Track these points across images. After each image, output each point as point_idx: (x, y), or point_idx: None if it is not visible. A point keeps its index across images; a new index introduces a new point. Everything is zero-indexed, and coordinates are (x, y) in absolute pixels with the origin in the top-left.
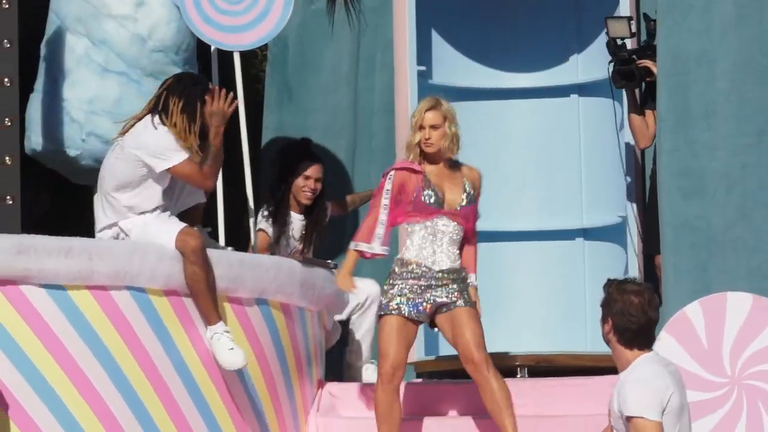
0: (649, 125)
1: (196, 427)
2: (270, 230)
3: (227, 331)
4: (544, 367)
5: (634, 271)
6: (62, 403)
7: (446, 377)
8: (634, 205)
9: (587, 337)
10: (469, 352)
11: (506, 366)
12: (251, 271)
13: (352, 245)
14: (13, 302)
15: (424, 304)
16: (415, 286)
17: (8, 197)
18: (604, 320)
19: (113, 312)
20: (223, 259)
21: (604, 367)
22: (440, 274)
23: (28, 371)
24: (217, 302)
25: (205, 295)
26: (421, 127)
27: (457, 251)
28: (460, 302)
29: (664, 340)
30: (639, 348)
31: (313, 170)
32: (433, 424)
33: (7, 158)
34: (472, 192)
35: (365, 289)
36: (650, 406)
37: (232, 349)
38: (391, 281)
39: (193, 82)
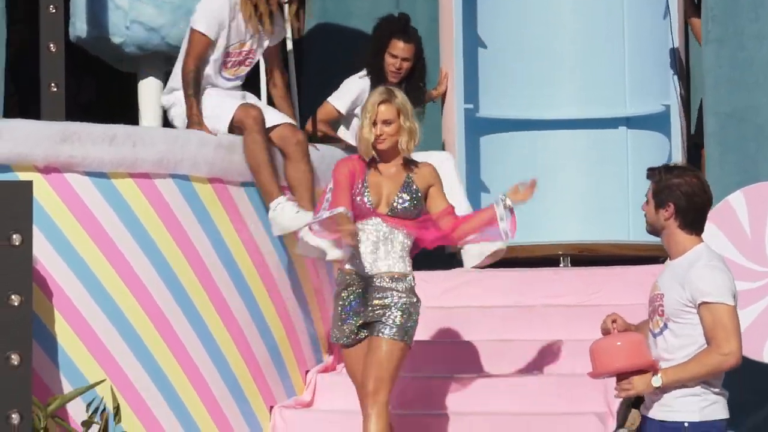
0: None
1: (238, 313)
2: (341, 105)
3: (291, 200)
4: (587, 256)
5: (677, 161)
6: (105, 291)
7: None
8: (678, 94)
9: (630, 226)
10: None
11: (549, 255)
12: None
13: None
14: (57, 190)
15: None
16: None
17: (53, 84)
18: (662, 206)
19: (157, 200)
20: None
21: (646, 257)
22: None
23: (72, 259)
24: (277, 178)
25: (266, 168)
26: (374, 123)
27: (400, 256)
28: (386, 330)
29: (706, 229)
30: (697, 233)
31: (402, 49)
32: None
33: (51, 45)
34: (417, 192)
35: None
36: (728, 291)
37: (297, 212)
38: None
39: None
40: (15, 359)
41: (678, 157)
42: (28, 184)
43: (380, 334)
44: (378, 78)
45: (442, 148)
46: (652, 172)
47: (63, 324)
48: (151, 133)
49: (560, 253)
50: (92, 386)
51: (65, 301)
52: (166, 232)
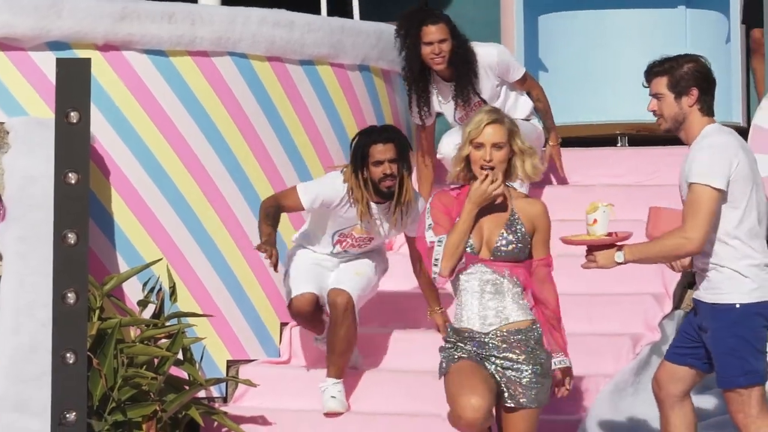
0: None
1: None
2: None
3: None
4: (644, 136)
5: (736, 42)
6: (162, 169)
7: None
8: None
9: None
10: None
11: (606, 134)
12: (352, 38)
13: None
14: (115, 67)
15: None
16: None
17: None
18: (684, 93)
19: (215, 78)
20: (325, 25)
21: None
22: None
23: (130, 137)
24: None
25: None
26: (480, 145)
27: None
28: (523, 399)
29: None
30: (711, 115)
31: (433, 33)
32: None
33: None
34: (523, 232)
35: None
36: (716, 174)
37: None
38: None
39: None
40: (71, 238)
41: (736, 38)
42: (87, 62)
43: (511, 402)
44: (420, 76)
45: (499, 27)
46: (659, 68)
47: (120, 202)
48: (210, 10)
49: (618, 132)
50: (148, 265)
51: (122, 180)
52: (224, 110)
